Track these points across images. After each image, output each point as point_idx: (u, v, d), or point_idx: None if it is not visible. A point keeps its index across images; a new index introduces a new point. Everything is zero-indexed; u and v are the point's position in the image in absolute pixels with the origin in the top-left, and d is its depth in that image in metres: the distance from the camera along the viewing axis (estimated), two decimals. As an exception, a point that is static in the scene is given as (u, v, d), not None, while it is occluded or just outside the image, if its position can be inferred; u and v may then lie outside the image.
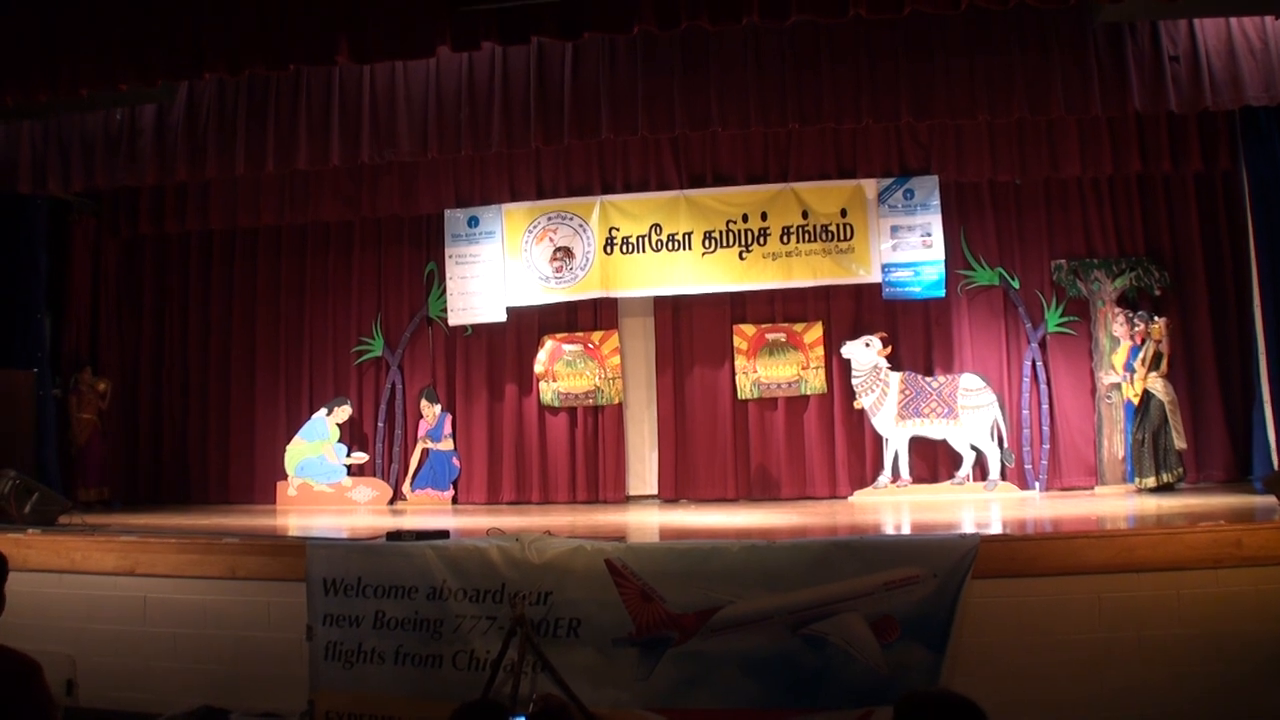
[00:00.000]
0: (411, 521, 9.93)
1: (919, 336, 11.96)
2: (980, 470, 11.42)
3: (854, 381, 11.62)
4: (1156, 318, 10.87)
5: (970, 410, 11.33)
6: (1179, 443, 10.55)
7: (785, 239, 11.84)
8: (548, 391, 12.39)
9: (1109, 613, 6.54)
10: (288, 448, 12.65)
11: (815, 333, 12.03)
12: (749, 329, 12.09)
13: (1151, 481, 10.49)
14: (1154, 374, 10.64)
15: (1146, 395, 10.66)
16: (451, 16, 8.26)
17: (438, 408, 12.59)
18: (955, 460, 11.49)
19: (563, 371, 12.33)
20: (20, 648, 3.56)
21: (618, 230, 12.10)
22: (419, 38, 8.55)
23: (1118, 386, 11.12)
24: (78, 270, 12.97)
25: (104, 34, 8.76)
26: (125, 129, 10.90)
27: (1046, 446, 11.59)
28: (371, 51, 8.77)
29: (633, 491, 12.38)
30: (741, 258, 11.90)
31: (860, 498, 11.47)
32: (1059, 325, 11.73)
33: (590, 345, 12.35)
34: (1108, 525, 8.18)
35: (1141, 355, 10.69)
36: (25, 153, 11.03)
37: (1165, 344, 10.72)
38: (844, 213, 11.79)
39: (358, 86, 10.55)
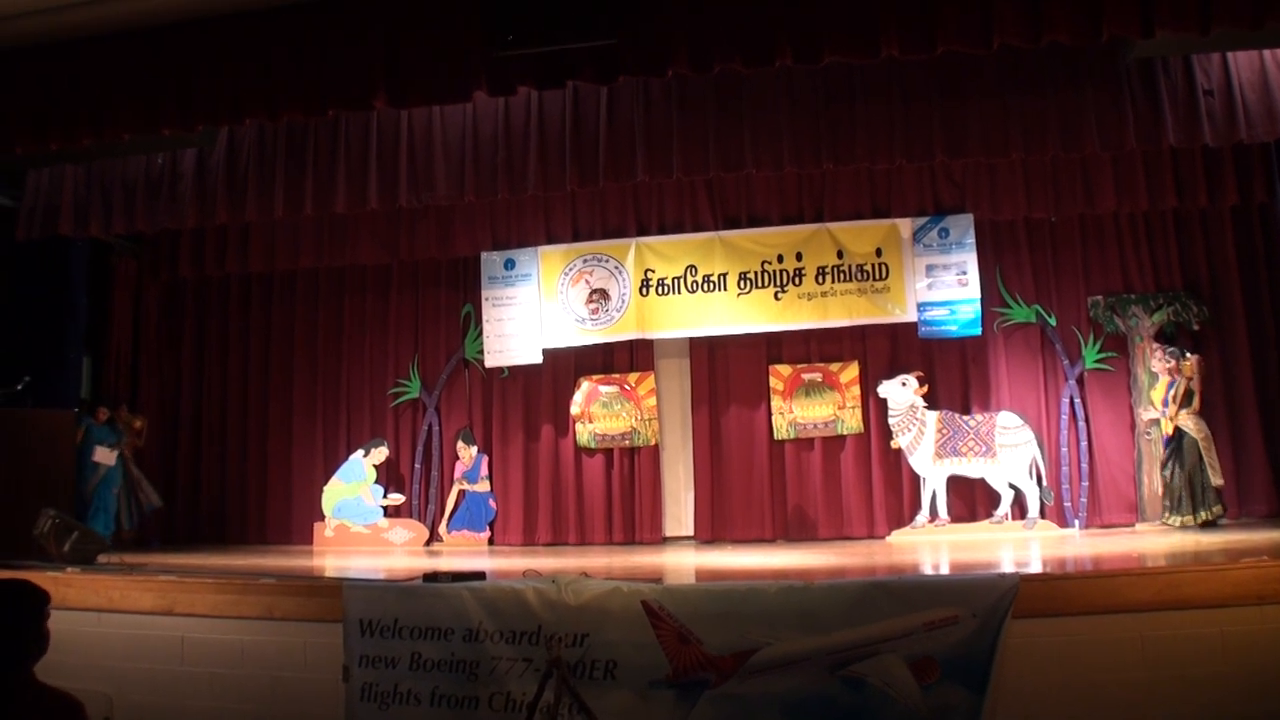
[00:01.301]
0: (448, 563, 9.91)
1: (956, 375, 11.89)
2: (1019, 509, 11.29)
3: (891, 421, 11.54)
4: (1188, 354, 10.79)
5: (1008, 448, 11.21)
6: (1215, 479, 10.45)
7: (820, 279, 11.82)
8: (584, 433, 12.38)
9: (1152, 652, 6.43)
10: (325, 489, 12.67)
11: (851, 372, 11.99)
12: (785, 369, 12.05)
13: (1188, 519, 10.41)
14: (1185, 411, 10.58)
15: (1179, 433, 10.59)
16: (488, 62, 8.32)
17: (474, 449, 12.60)
18: (994, 499, 11.37)
19: (599, 413, 12.33)
20: (59, 686, 3.58)
21: (653, 272, 12.13)
22: (455, 83, 8.63)
23: (1157, 422, 11.02)
24: (118, 312, 13.16)
25: (147, 81, 8.88)
26: (166, 173, 11.05)
27: (1086, 484, 11.47)
28: (408, 97, 8.85)
29: (669, 533, 12.32)
30: (777, 298, 11.89)
31: (898, 537, 11.36)
32: (1097, 362, 11.64)
33: (626, 386, 12.34)
34: (1149, 563, 8.05)
35: (1173, 393, 10.61)
36: (68, 196, 11.18)
37: (1196, 381, 10.65)
38: (879, 252, 11.77)
39: (395, 131, 10.68)
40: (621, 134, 10.28)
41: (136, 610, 7.92)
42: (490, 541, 12.45)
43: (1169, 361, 10.76)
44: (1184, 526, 10.48)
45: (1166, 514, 10.73)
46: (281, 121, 9.95)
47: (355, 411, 13.19)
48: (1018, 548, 10.08)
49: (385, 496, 12.58)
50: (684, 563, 10.16)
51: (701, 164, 10.27)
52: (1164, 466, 10.77)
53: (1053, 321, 11.78)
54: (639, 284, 12.14)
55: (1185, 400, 10.63)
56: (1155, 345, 11.18)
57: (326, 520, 12.57)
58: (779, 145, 10.15)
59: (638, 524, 12.23)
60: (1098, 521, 11.42)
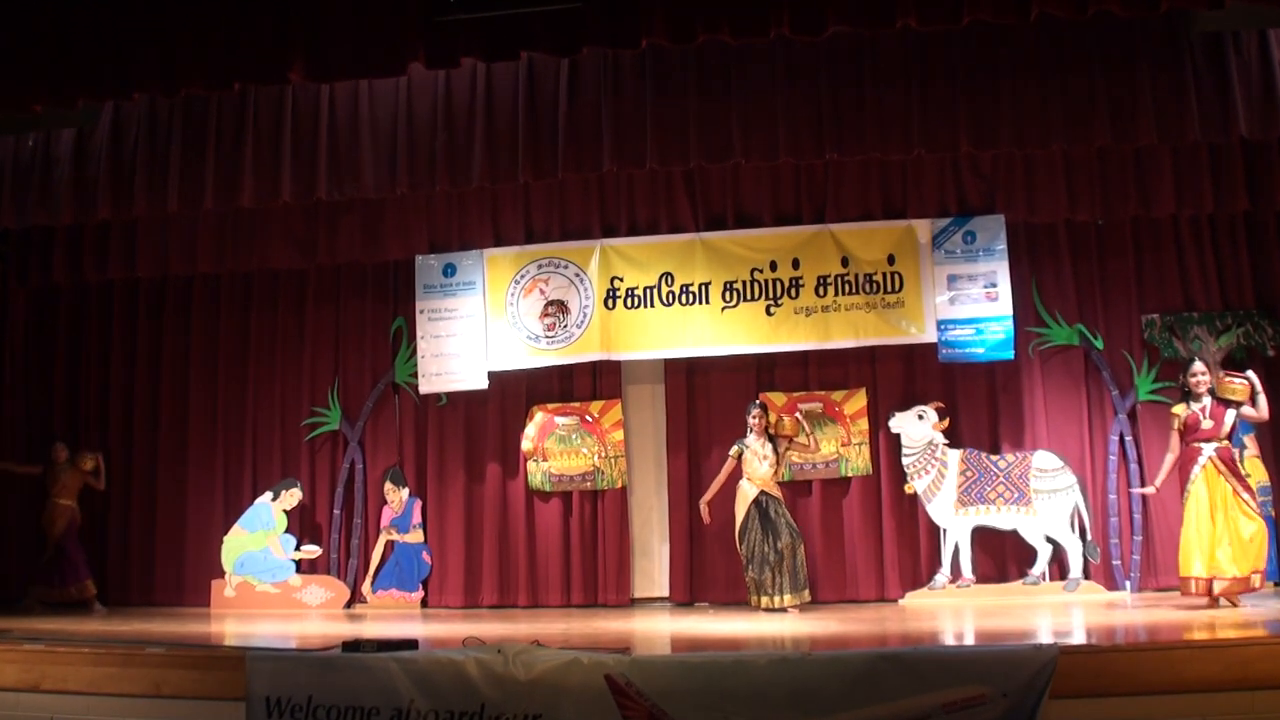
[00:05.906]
0: (373, 629, 9.93)
1: (983, 407, 11.94)
2: (1059, 567, 11.35)
3: (905, 461, 11.60)
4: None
5: (1045, 495, 11.27)
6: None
7: (821, 291, 11.85)
8: (537, 473, 12.38)
9: (1218, 739, 6.48)
10: (225, 539, 12.64)
11: (858, 402, 12.03)
12: (778, 398, 12.05)
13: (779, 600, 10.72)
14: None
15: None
16: (426, 28, 8.33)
17: (405, 492, 12.58)
18: (1028, 555, 11.42)
19: (555, 449, 12.33)
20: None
21: (621, 280, 12.15)
22: (387, 53, 8.66)
23: (1224, 465, 11.10)
24: (-23, 325, 13.06)
25: (14, 47, 8.84)
26: (38, 158, 11.00)
27: (1139, 538, 11.49)
28: (331, 69, 8.87)
29: (639, 593, 12.34)
30: (769, 313, 11.91)
31: (913, 600, 11.40)
32: (1152, 392, 11.69)
33: (588, 418, 12.36)
34: (1216, 633, 8.09)
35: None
36: (-83, 187, 11.13)
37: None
38: (891, 259, 11.81)
39: (314, 109, 10.67)
40: (585, 117, 10.31)
41: (-4, 686, 7.86)
42: (424, 603, 12.43)
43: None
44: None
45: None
46: (178, 96, 9.92)
47: (262, 446, 13.14)
48: (1056, 614, 10.11)
49: (298, 549, 12.53)
50: (656, 629, 10.18)
51: (680, 153, 10.30)
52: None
53: (1099, 344, 11.84)
54: (604, 295, 12.15)
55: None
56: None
57: (227, 577, 12.52)
58: (773, 132, 10.20)
59: (601, 582, 12.23)
60: (1153, 583, 11.43)
